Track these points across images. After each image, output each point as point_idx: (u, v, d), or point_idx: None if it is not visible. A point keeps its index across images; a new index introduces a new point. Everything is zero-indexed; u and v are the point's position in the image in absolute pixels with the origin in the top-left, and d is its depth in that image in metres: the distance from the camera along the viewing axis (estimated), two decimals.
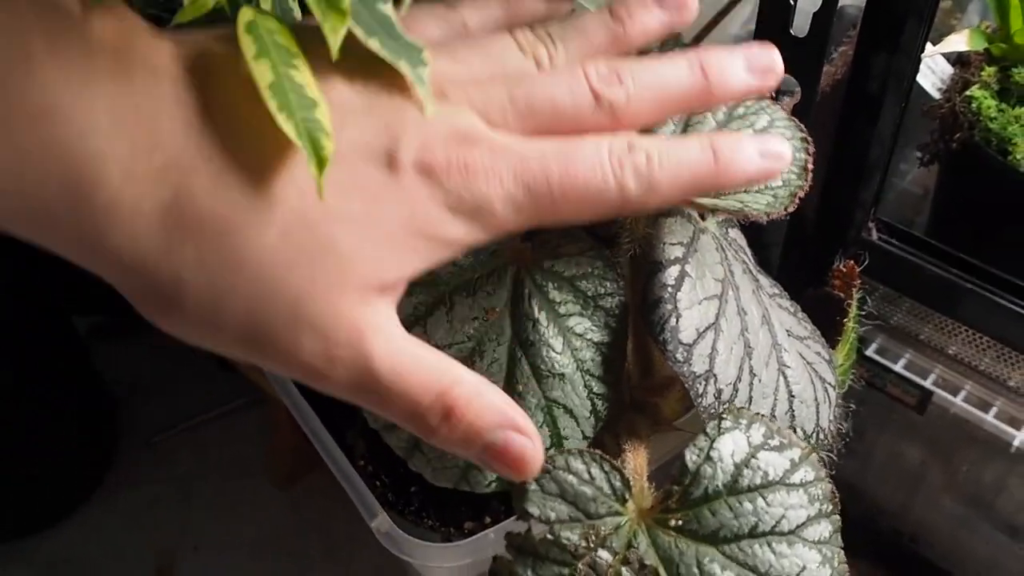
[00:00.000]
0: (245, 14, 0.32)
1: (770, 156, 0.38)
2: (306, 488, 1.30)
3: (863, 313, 0.87)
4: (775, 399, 0.52)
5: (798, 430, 0.54)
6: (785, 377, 0.53)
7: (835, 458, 0.75)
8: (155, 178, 0.31)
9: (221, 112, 0.32)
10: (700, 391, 0.48)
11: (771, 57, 0.40)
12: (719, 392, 0.49)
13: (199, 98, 0.32)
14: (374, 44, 0.33)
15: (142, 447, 1.36)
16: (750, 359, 0.50)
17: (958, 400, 0.92)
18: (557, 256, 0.50)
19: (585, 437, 0.50)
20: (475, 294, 0.49)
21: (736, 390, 0.50)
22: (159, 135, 0.31)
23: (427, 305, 0.49)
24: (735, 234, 0.59)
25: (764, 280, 0.61)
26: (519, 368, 0.49)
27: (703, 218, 0.55)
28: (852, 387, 0.85)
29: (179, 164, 0.31)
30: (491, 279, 0.50)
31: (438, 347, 0.48)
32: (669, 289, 0.48)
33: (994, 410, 0.91)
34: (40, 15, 0.29)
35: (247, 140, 0.32)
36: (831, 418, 0.57)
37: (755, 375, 0.51)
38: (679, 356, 0.47)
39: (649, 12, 0.41)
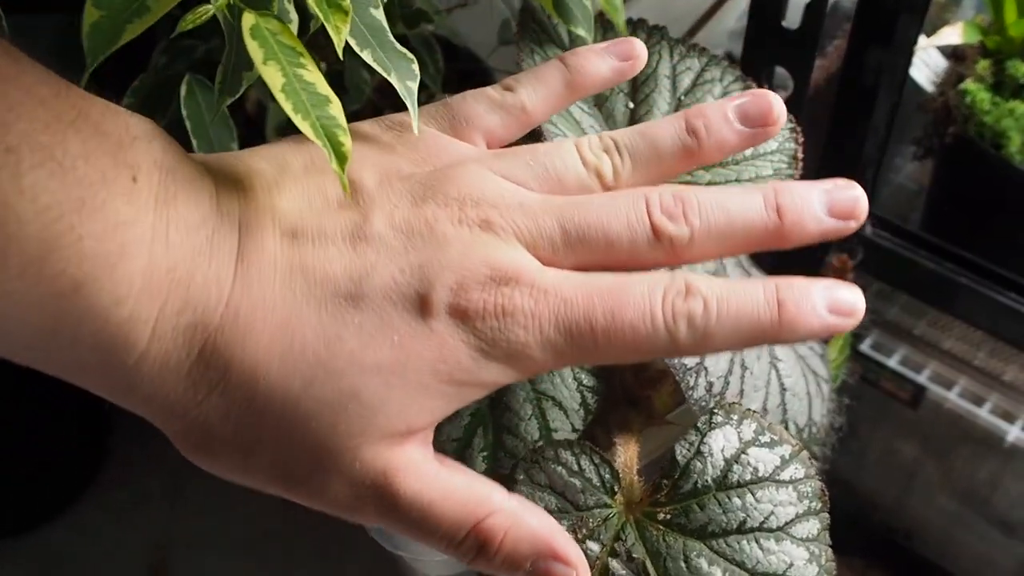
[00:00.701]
0: (248, 19, 0.32)
1: (838, 312, 0.34)
2: None
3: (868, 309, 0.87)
4: (767, 392, 0.52)
5: (790, 424, 0.54)
6: (777, 370, 0.53)
7: (829, 453, 0.75)
8: (183, 336, 0.31)
9: (251, 264, 0.32)
10: (691, 384, 0.48)
11: (854, 196, 0.36)
12: (710, 385, 0.48)
13: (231, 250, 0.32)
14: (367, 56, 0.33)
15: (135, 445, 1.35)
16: (741, 352, 0.50)
17: (952, 395, 0.92)
18: None
19: (575, 430, 0.50)
20: None
21: (727, 383, 0.49)
22: (189, 295, 0.31)
23: None
24: None
25: (756, 274, 0.61)
26: None
27: None
28: (846, 383, 0.85)
29: (206, 322, 0.32)
30: None
31: None
32: None
33: (988, 405, 0.90)
34: (80, 184, 0.29)
35: (271, 290, 0.32)
36: (823, 412, 0.57)
37: (746, 368, 0.51)
38: None
39: (729, 127, 0.38)
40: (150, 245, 0.30)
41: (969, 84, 0.81)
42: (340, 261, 0.33)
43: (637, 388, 0.55)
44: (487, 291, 0.33)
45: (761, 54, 0.64)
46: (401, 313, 0.32)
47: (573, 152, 0.37)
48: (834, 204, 0.35)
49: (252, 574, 1.21)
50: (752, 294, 0.33)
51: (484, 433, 0.49)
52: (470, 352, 0.33)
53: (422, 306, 0.32)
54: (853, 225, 0.36)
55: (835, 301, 0.33)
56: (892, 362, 0.93)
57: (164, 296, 0.31)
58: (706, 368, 0.48)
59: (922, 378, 0.93)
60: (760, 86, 0.65)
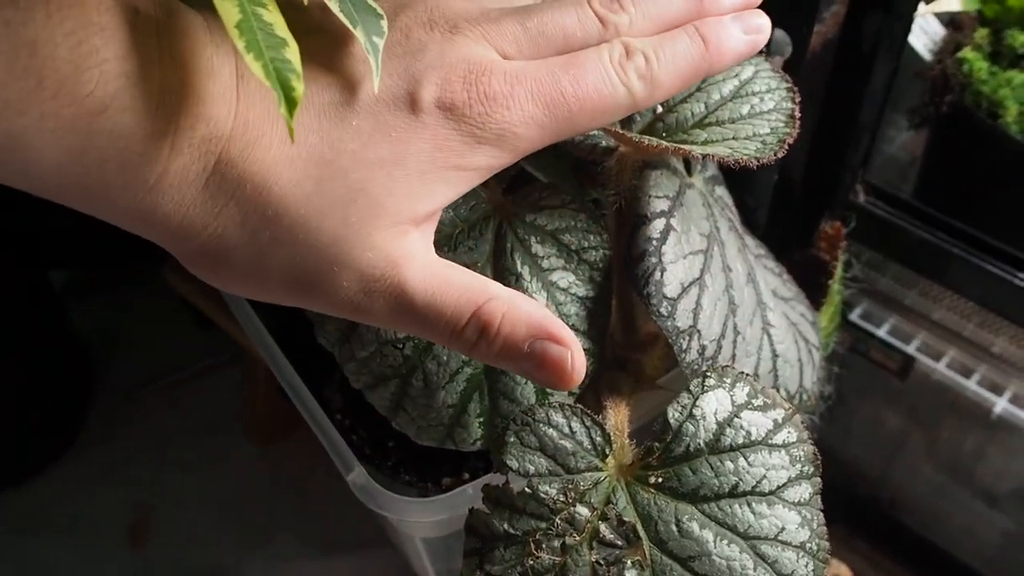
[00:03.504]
0: None
1: (752, 30, 0.42)
2: (283, 446, 1.29)
3: (849, 276, 0.86)
4: (759, 357, 0.52)
5: (781, 390, 0.53)
6: (769, 336, 0.52)
7: (816, 421, 0.75)
8: (199, 149, 0.33)
9: (250, 81, 0.35)
10: (684, 347, 0.47)
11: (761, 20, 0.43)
12: (703, 348, 0.48)
13: (231, 71, 0.34)
14: (333, 5, 0.33)
15: (118, 403, 1.34)
16: (734, 316, 0.50)
17: (940, 366, 0.91)
18: (539, 209, 0.49)
19: (570, 393, 0.49)
20: (456, 249, 0.48)
21: (720, 347, 0.49)
22: (203, 110, 0.33)
23: None
24: (721, 192, 0.58)
25: (750, 240, 0.60)
26: None
27: (689, 173, 0.54)
28: (835, 351, 0.85)
29: (219, 134, 0.34)
30: (472, 233, 0.48)
31: None
32: (654, 242, 0.47)
33: (976, 376, 0.90)
34: (97, 9, 0.31)
35: (272, 105, 0.35)
36: (814, 379, 0.56)
37: (739, 332, 0.50)
38: (663, 310, 0.46)
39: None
40: (159, 66, 0.32)
41: (967, 53, 0.81)
42: (331, 74, 0.36)
43: (627, 352, 0.55)
44: (468, 83, 0.37)
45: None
46: (394, 112, 0.36)
47: None
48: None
49: (234, 535, 1.21)
50: (680, 38, 0.40)
51: (480, 399, 0.49)
52: (462, 139, 0.37)
53: (412, 104, 0.36)
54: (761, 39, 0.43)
55: (748, 25, 0.42)
56: (881, 332, 0.93)
57: (179, 113, 0.33)
58: (699, 331, 0.48)
59: (911, 348, 0.93)
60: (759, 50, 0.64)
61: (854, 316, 0.94)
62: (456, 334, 0.38)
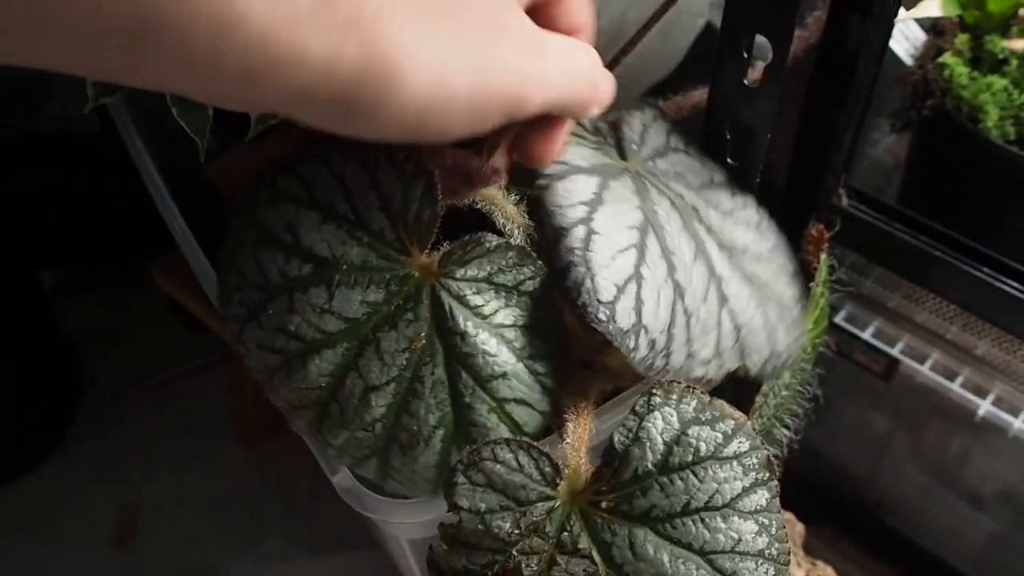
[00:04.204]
0: None
1: None
2: (271, 448, 1.29)
3: (833, 279, 0.87)
4: (719, 333, 0.51)
5: (752, 357, 0.53)
6: (729, 308, 0.52)
7: (799, 425, 0.75)
8: None
9: None
10: (632, 345, 0.46)
11: None
12: (652, 342, 0.47)
13: None
14: None
15: (106, 403, 1.34)
16: (683, 300, 0.49)
17: (925, 369, 0.92)
18: (466, 262, 0.48)
19: (542, 413, 0.49)
20: (396, 325, 0.48)
21: (671, 335, 0.48)
22: None
23: (354, 349, 0.48)
24: (670, 162, 0.57)
25: (720, 195, 0.59)
26: (462, 381, 0.48)
27: (624, 157, 0.54)
28: (822, 354, 0.85)
29: None
30: (408, 305, 0.48)
31: (374, 388, 0.47)
32: (577, 252, 0.47)
33: (960, 379, 0.91)
34: None
35: None
36: (791, 337, 0.56)
37: (690, 314, 0.50)
38: (601, 316, 0.46)
39: None
40: None
41: (948, 58, 0.81)
42: None
43: (588, 354, 0.55)
44: None
45: (741, 22, 0.63)
46: None
47: None
48: None
49: (222, 536, 1.21)
50: None
51: (459, 449, 0.49)
52: None
53: None
54: None
55: None
56: (866, 335, 0.94)
57: None
58: (644, 326, 0.47)
59: (895, 351, 0.93)
60: (740, 55, 0.64)
61: (839, 319, 0.94)
62: None
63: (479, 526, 0.43)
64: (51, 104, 1.35)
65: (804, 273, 0.77)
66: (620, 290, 0.47)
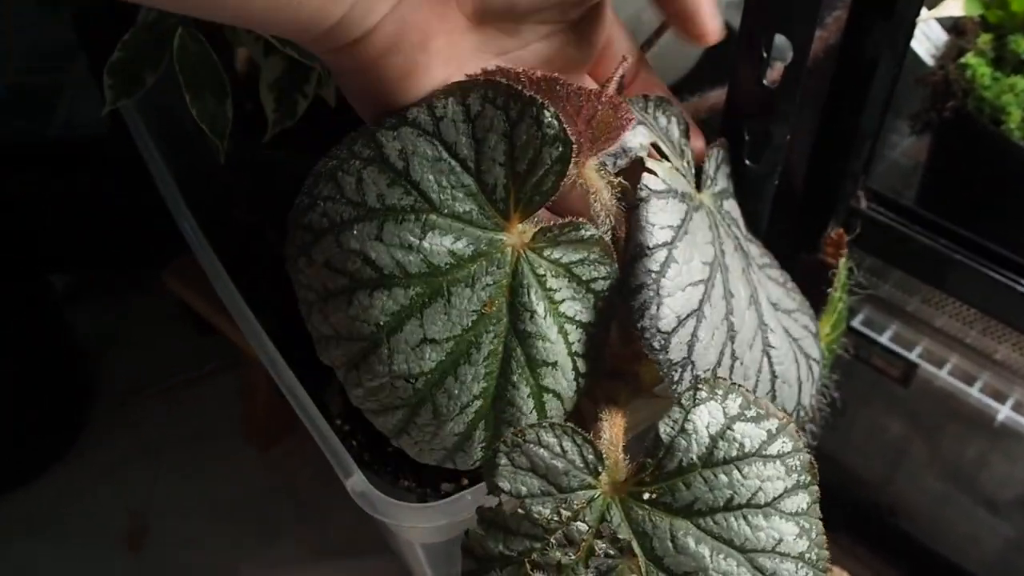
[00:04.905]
0: None
1: None
2: (281, 452, 1.29)
3: (852, 283, 0.86)
4: (757, 380, 0.51)
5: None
6: (769, 358, 0.52)
7: (816, 430, 0.74)
8: None
9: None
10: (676, 378, 0.47)
11: None
12: (696, 378, 0.47)
13: None
14: None
15: (116, 408, 1.34)
16: (732, 343, 0.49)
17: (943, 373, 0.91)
18: (557, 244, 0.47)
19: (566, 412, 0.49)
20: (473, 285, 0.47)
21: (716, 375, 0.48)
22: None
23: (426, 296, 0.46)
24: (730, 205, 0.57)
25: (755, 249, 0.59)
26: (514, 358, 0.47)
27: (699, 189, 0.53)
28: (838, 358, 0.84)
29: None
30: (491, 269, 0.47)
31: (432, 341, 0.46)
32: (653, 275, 0.46)
33: (979, 384, 0.90)
34: None
35: None
36: (812, 394, 0.56)
37: (736, 358, 0.50)
38: (656, 344, 0.46)
39: None
40: None
41: (970, 58, 0.80)
42: None
43: (624, 362, 0.54)
44: None
45: (760, 21, 0.63)
46: None
47: None
48: None
49: (232, 540, 1.20)
50: None
51: (485, 427, 0.48)
52: None
53: None
54: None
55: None
56: (884, 338, 0.93)
57: None
58: (693, 362, 0.47)
59: (913, 355, 0.92)
60: (759, 55, 0.63)
61: (856, 323, 0.93)
62: None
63: (519, 510, 0.42)
64: (61, 108, 1.35)
65: (823, 276, 0.76)
66: (680, 322, 0.47)
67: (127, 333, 1.42)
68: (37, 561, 1.19)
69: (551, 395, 0.48)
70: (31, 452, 1.27)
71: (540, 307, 0.47)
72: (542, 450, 0.43)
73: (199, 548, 1.20)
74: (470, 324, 0.47)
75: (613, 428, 0.48)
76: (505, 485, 0.42)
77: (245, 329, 0.65)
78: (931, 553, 1.14)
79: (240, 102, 0.65)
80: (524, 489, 0.42)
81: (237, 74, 0.75)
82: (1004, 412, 0.88)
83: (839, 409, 0.79)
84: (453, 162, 0.46)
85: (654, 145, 0.50)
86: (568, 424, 0.43)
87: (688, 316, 0.47)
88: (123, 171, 1.00)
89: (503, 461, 0.42)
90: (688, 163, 0.54)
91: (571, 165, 0.45)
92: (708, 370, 0.48)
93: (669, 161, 0.51)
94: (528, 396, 0.47)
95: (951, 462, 1.08)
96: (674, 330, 0.46)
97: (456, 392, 0.47)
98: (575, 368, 0.48)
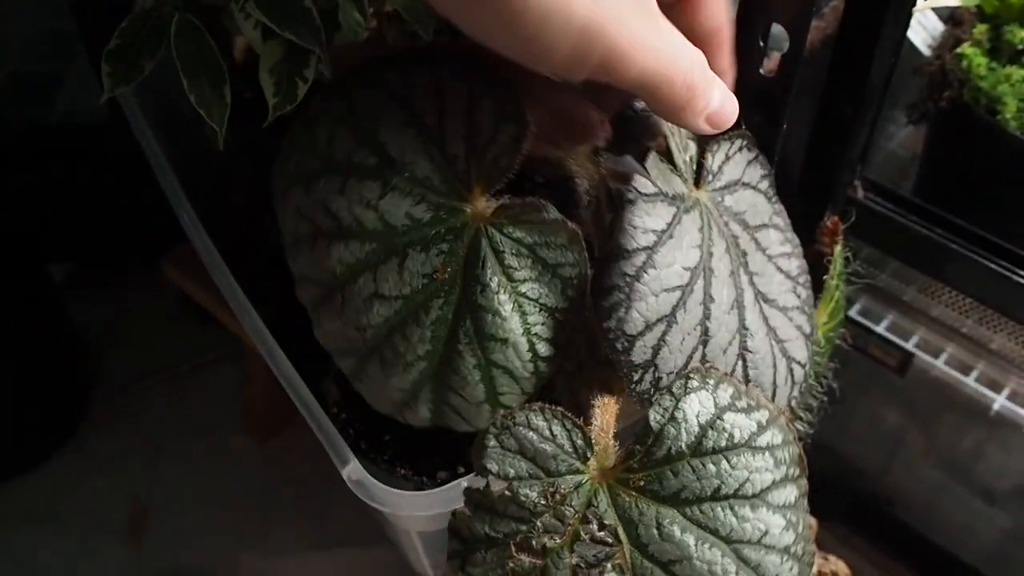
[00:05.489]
0: None
1: None
2: (281, 442, 1.29)
3: (848, 272, 0.86)
4: None
5: None
6: (744, 361, 0.51)
7: (812, 420, 0.75)
8: None
9: None
10: (635, 379, 0.46)
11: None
12: (657, 380, 0.47)
13: None
14: None
15: (116, 397, 1.34)
16: (704, 347, 0.48)
17: (939, 363, 0.91)
18: (519, 222, 0.47)
19: (524, 392, 0.49)
20: (428, 250, 0.47)
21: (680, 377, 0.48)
22: None
23: (381, 253, 0.48)
24: (738, 198, 0.56)
25: (774, 237, 0.58)
26: (463, 328, 0.47)
27: (697, 185, 0.53)
28: (837, 347, 0.85)
29: None
30: (448, 236, 0.47)
31: (382, 296, 0.48)
32: (627, 279, 0.46)
33: (975, 373, 0.90)
34: None
35: None
36: (793, 396, 0.55)
37: (707, 363, 0.49)
38: (618, 346, 0.45)
39: None
40: None
41: (966, 48, 0.80)
42: None
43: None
44: None
45: (757, 11, 0.63)
46: None
47: None
48: None
49: (232, 530, 1.21)
50: None
51: (431, 389, 0.49)
52: None
53: None
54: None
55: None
56: (880, 328, 0.93)
57: None
58: (656, 366, 0.46)
59: (910, 345, 0.92)
60: (756, 44, 0.64)
61: (853, 312, 0.93)
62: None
63: (506, 492, 0.42)
64: (61, 98, 1.35)
65: (819, 265, 0.76)
66: (648, 327, 0.46)
67: (127, 324, 1.42)
68: (37, 551, 1.20)
69: (501, 371, 0.48)
70: (31, 443, 1.27)
71: (494, 281, 0.47)
72: (531, 433, 0.43)
73: (199, 538, 1.21)
74: (420, 287, 0.47)
75: (605, 414, 0.48)
76: (493, 467, 0.42)
77: (243, 319, 0.65)
78: (928, 543, 1.14)
79: (238, 90, 0.65)
80: (512, 471, 0.42)
81: (235, 62, 0.75)
82: (1000, 401, 0.89)
83: (837, 399, 0.79)
84: (420, 129, 0.48)
85: (664, 137, 0.50)
86: (558, 408, 0.44)
87: (658, 321, 0.46)
88: (123, 161, 1.01)
89: (492, 443, 0.43)
90: (691, 158, 0.54)
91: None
92: (671, 373, 0.47)
93: (673, 157, 0.51)
94: (474, 367, 0.48)
95: (948, 452, 1.08)
96: (640, 334, 0.46)
97: (402, 350, 0.48)
98: (532, 350, 0.48)
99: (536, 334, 0.48)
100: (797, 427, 0.78)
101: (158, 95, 0.73)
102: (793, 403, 0.57)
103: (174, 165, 0.72)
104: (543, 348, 0.48)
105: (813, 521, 1.01)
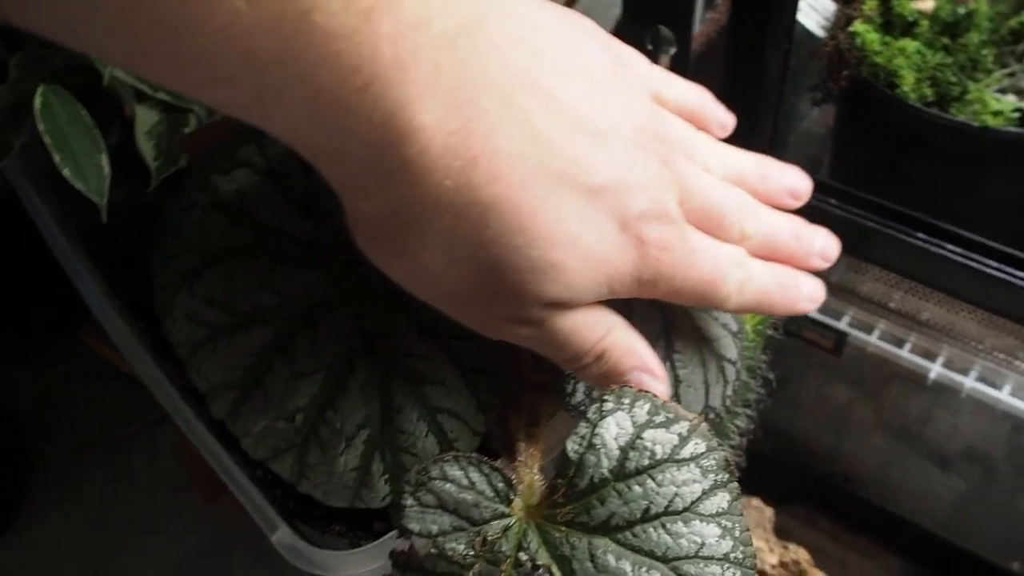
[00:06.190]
0: None
1: (817, 294, 0.47)
2: (232, 499, 1.26)
3: None
4: None
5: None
6: (672, 363, 0.51)
7: (752, 414, 0.74)
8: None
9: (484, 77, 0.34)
10: (568, 391, 0.46)
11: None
12: (589, 390, 0.47)
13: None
14: None
15: (55, 473, 1.31)
16: None
17: (873, 339, 0.91)
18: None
19: (476, 432, 0.48)
20: (335, 311, 0.46)
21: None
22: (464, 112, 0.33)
23: (288, 329, 0.46)
24: None
25: None
26: (395, 382, 0.46)
27: None
28: (771, 337, 0.85)
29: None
30: (351, 295, 0.46)
31: (301, 374, 0.46)
32: None
33: (908, 345, 0.90)
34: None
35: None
36: (726, 395, 0.55)
37: None
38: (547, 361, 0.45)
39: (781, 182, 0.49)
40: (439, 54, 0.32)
41: (858, 26, 0.80)
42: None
43: (541, 376, 0.53)
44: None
45: (641, 14, 0.62)
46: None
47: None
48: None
49: None
50: (776, 274, 0.46)
51: (382, 457, 0.47)
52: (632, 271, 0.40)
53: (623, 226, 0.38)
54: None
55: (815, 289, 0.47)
56: (812, 312, 0.93)
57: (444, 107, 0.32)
58: None
59: (842, 324, 0.92)
60: (644, 48, 0.63)
61: None
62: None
63: (432, 550, 0.41)
64: None
65: None
66: None
67: (56, 397, 1.39)
68: None
69: (447, 415, 0.47)
70: None
71: (413, 325, 0.46)
72: (449, 485, 0.41)
73: None
74: (337, 352, 0.46)
75: (529, 449, 0.47)
76: (414, 526, 0.41)
77: (153, 387, 0.63)
78: (888, 514, 1.15)
79: (133, 147, 0.63)
80: (435, 527, 0.41)
81: (126, 120, 0.73)
82: (936, 370, 0.89)
83: (782, 385, 0.79)
84: (288, 194, 0.46)
85: None
86: (472, 455, 0.42)
87: None
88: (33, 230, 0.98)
89: (409, 501, 0.41)
90: None
91: None
92: None
93: None
94: (418, 419, 0.46)
95: (895, 424, 1.09)
96: None
97: (338, 425, 0.47)
98: (471, 385, 0.47)
99: (472, 367, 0.47)
100: (737, 423, 0.78)
101: (46, 165, 0.71)
102: (728, 401, 0.56)
103: (73, 231, 0.70)
104: (484, 380, 0.47)
105: (770, 512, 1.01)
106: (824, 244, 0.49)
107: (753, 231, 0.45)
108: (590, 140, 0.37)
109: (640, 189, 0.38)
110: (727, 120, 0.50)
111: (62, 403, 1.37)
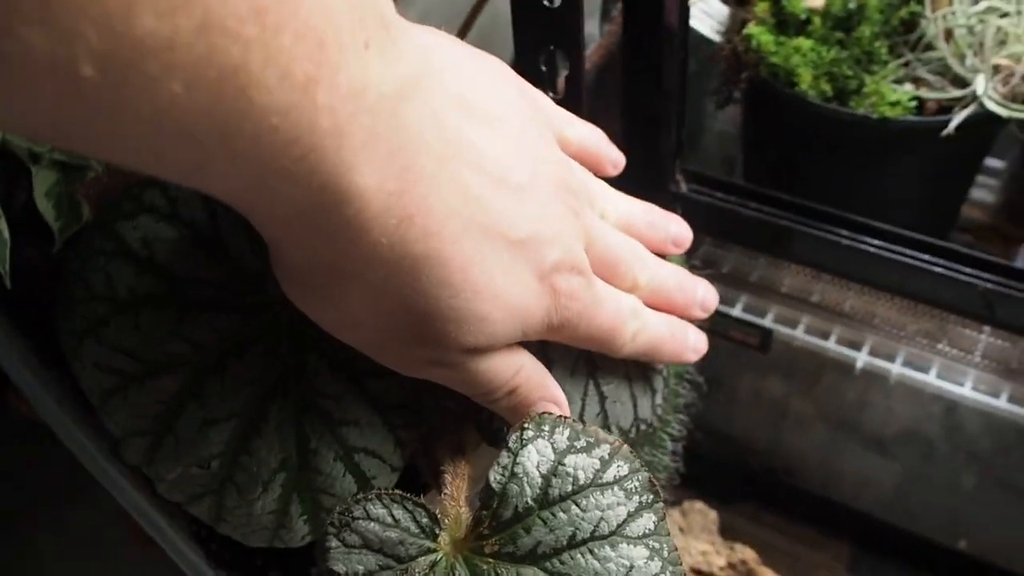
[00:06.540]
0: None
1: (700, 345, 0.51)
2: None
3: (694, 264, 0.86)
4: (583, 404, 0.50)
5: (613, 428, 0.52)
6: (595, 380, 0.51)
7: (685, 419, 0.74)
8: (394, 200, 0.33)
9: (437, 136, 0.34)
10: (485, 418, 0.46)
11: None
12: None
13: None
14: None
15: None
16: (551, 369, 0.48)
17: (799, 333, 0.92)
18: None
19: (394, 470, 0.47)
20: (245, 356, 0.45)
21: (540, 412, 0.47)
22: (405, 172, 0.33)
23: (198, 375, 0.45)
24: None
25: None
26: (309, 424, 0.46)
27: None
28: None
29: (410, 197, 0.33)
30: (262, 336, 0.45)
31: (214, 421, 0.45)
32: None
33: (834, 337, 0.92)
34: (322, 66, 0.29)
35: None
36: (656, 404, 0.55)
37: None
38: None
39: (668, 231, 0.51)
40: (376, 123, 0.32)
41: (752, 28, 0.81)
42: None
43: (470, 403, 0.53)
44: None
45: (531, 37, 0.62)
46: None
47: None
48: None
49: None
50: (668, 325, 0.49)
51: (300, 499, 0.47)
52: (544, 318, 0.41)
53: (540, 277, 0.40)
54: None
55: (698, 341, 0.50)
56: (736, 311, 0.94)
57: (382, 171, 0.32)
58: None
59: (767, 322, 0.93)
60: (539, 71, 0.63)
61: None
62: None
63: None
64: None
65: None
66: None
67: None
68: None
69: (364, 454, 0.46)
70: None
71: (324, 365, 0.45)
72: (372, 524, 0.41)
73: None
74: (249, 396, 0.45)
75: (455, 481, 0.47)
76: (340, 568, 0.41)
77: (77, 451, 0.62)
78: (833, 504, 1.16)
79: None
80: (361, 568, 0.41)
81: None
82: (863, 358, 0.90)
83: (715, 387, 0.79)
84: (195, 239, 0.45)
85: None
86: (396, 492, 0.42)
87: None
88: None
89: (334, 543, 0.41)
90: None
91: None
92: None
93: None
94: (335, 460, 0.46)
95: (830, 415, 1.10)
96: None
97: (254, 469, 0.46)
98: (387, 422, 0.47)
99: (386, 404, 0.47)
100: (671, 431, 0.78)
101: None
102: (659, 411, 0.56)
103: None
104: (399, 417, 0.47)
105: (714, 514, 1.02)
106: (705, 295, 0.51)
107: (645, 281, 0.47)
108: (512, 194, 0.38)
109: (555, 240, 0.40)
110: (619, 159, 0.52)
111: None
